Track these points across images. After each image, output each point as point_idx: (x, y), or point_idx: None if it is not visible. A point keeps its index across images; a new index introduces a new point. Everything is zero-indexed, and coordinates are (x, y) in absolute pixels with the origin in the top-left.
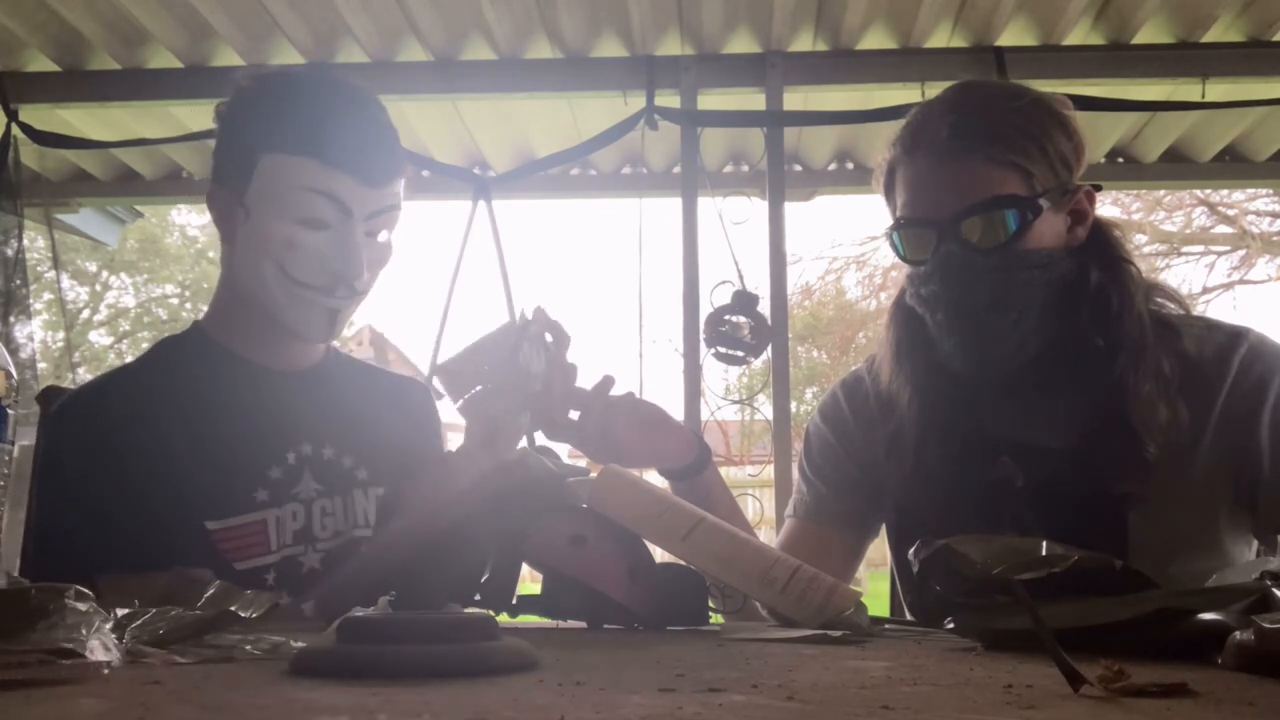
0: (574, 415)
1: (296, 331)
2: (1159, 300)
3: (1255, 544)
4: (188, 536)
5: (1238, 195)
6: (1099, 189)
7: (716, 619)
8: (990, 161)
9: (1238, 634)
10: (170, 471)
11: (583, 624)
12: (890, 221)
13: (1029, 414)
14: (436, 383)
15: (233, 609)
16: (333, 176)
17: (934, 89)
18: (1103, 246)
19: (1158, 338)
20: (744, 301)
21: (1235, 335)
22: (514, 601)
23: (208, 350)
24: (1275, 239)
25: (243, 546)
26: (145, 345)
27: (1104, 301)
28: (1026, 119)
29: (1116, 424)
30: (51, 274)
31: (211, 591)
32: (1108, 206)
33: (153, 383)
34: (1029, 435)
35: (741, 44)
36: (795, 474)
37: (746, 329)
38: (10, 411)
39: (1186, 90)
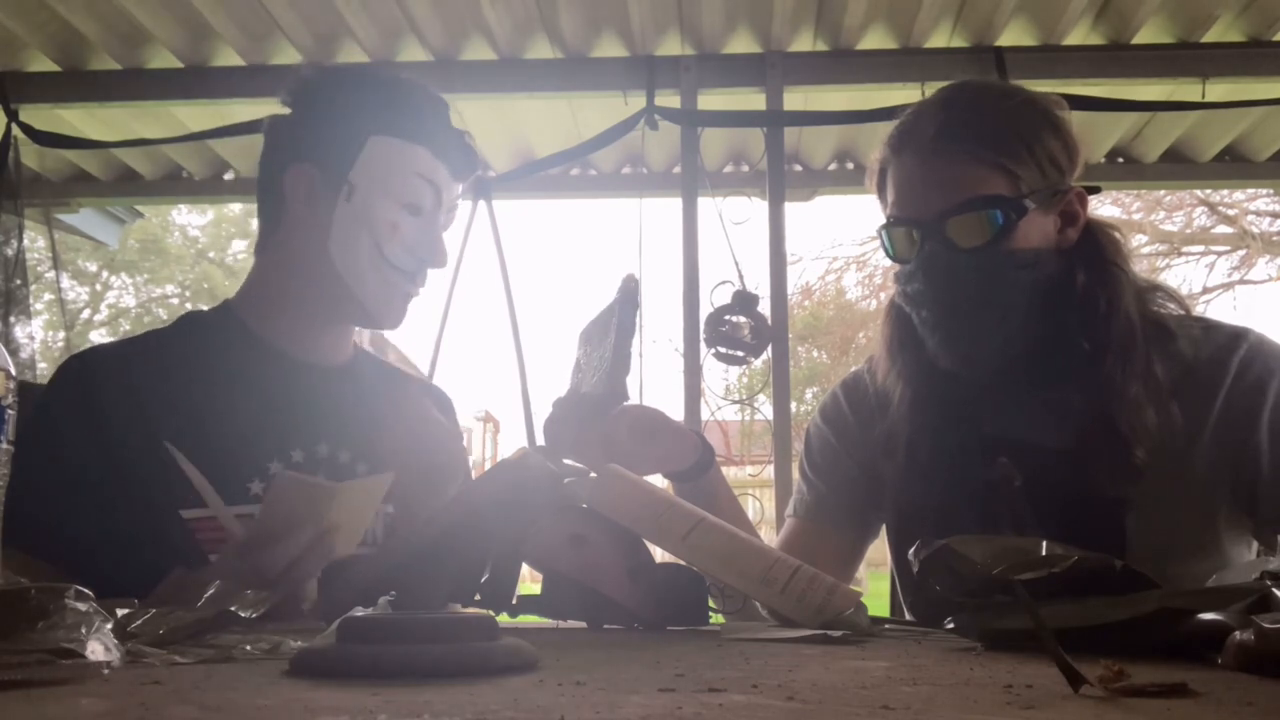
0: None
1: (376, 315)
2: (1159, 301)
3: (1255, 544)
4: (159, 521)
5: (1238, 195)
6: (1097, 190)
7: (717, 619)
8: (974, 161)
9: (1238, 634)
10: (159, 451)
11: (583, 624)
12: (882, 220)
13: (1025, 413)
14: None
15: (233, 609)
16: (436, 167)
17: (934, 89)
18: (1094, 249)
19: (1150, 339)
20: (744, 301)
21: (1234, 336)
22: (514, 601)
23: (233, 331)
24: (1275, 239)
25: (221, 539)
26: None
27: (1092, 303)
28: (1014, 119)
29: (1105, 427)
30: (51, 274)
31: (211, 591)
32: (1107, 206)
33: (162, 355)
34: (1025, 434)
35: (741, 44)
36: (796, 474)
37: (746, 329)
38: (10, 411)
39: (1186, 90)
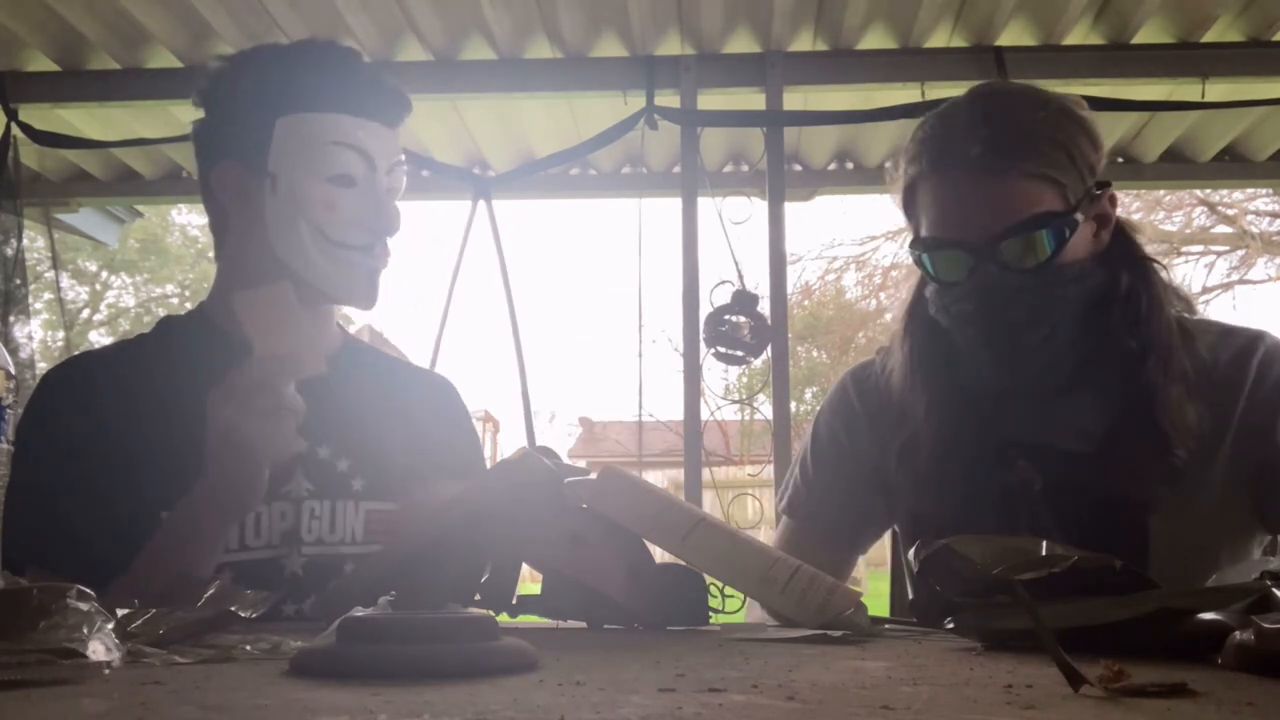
0: None
1: (339, 298)
2: (1171, 301)
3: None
4: (141, 526)
5: (1237, 195)
6: (1107, 184)
7: (719, 619)
8: (1026, 177)
9: (1238, 634)
10: (136, 456)
11: (583, 624)
12: (913, 237)
13: (1049, 416)
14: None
15: (233, 609)
16: (357, 124)
17: (934, 89)
18: (1128, 248)
19: (1179, 340)
20: (744, 301)
21: (1252, 339)
22: (514, 601)
23: (207, 333)
24: (1275, 239)
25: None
26: None
27: (1135, 304)
28: (1055, 128)
29: (1145, 427)
30: (51, 274)
31: (211, 591)
32: None
33: (140, 360)
34: (1048, 437)
35: (741, 44)
36: (795, 468)
37: (746, 329)
38: (10, 411)
39: (1186, 90)
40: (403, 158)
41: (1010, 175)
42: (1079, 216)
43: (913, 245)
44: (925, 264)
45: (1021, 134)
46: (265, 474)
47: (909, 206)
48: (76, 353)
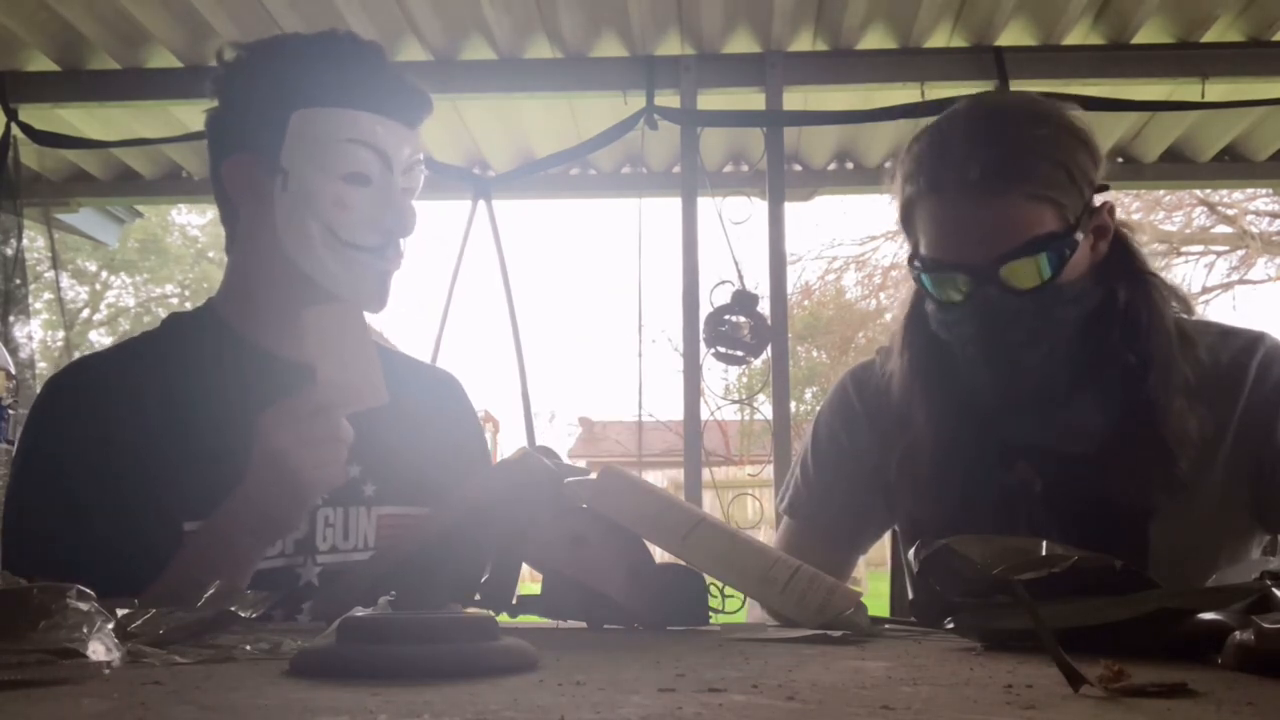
0: None
1: (350, 300)
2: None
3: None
4: (161, 535)
5: (1237, 195)
6: (1105, 188)
7: (719, 619)
8: (1026, 199)
9: (1238, 634)
10: (152, 465)
11: (583, 624)
12: (910, 253)
13: (1049, 419)
14: None
15: (233, 609)
16: (374, 121)
17: (934, 89)
18: (1126, 259)
19: (1179, 348)
20: (744, 301)
21: (1252, 340)
22: (514, 601)
23: (216, 332)
24: (1275, 239)
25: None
26: None
27: (1134, 318)
28: (1055, 146)
29: (1147, 438)
30: (51, 274)
31: (211, 592)
32: None
33: (150, 363)
34: (1048, 440)
35: (741, 44)
36: (796, 468)
37: (746, 329)
38: (10, 412)
39: (1186, 90)
40: (421, 157)
41: (1010, 197)
42: (1079, 236)
43: (911, 262)
44: (925, 283)
45: (1021, 155)
46: (310, 503)
47: (907, 223)
48: (77, 355)
